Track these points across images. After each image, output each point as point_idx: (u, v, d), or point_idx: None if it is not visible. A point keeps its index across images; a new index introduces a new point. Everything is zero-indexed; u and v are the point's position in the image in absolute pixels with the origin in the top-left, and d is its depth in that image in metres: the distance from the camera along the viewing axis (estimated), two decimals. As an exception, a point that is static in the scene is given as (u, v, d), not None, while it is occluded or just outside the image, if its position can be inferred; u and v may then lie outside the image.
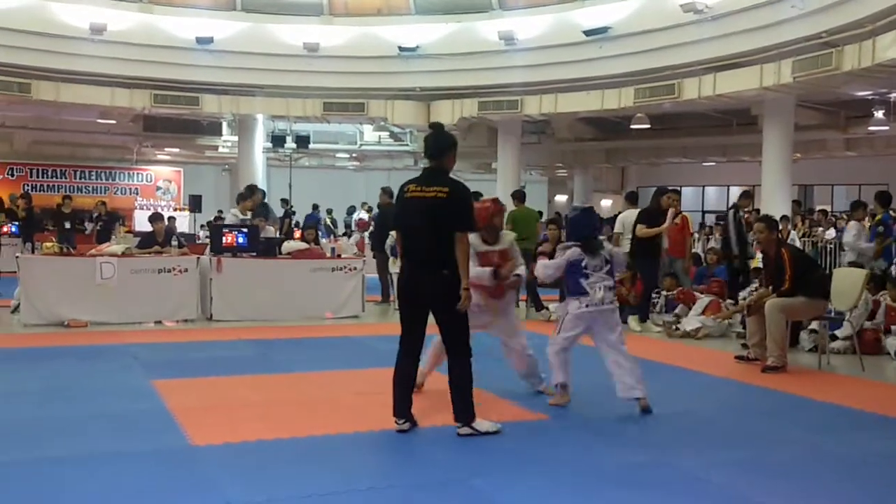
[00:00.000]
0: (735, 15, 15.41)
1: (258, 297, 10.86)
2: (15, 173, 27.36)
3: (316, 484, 4.43)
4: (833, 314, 8.55)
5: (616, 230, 11.58)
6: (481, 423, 5.35)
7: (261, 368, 7.80)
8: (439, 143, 5.45)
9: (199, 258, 10.95)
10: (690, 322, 10.26)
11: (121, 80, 19.29)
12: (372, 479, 4.64)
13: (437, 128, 5.63)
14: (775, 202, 16.49)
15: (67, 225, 18.85)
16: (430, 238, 5.25)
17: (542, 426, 5.71)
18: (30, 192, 22.74)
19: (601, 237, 6.70)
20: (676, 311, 10.98)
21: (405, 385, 5.45)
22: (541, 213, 15.12)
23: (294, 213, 20.57)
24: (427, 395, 6.28)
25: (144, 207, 26.20)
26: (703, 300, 10.65)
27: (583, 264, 6.15)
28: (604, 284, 6.12)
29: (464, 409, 5.32)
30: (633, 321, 10.53)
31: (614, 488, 4.52)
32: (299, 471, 4.64)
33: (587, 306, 6.11)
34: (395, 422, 5.41)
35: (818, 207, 22.78)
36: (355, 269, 11.52)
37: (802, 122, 18.59)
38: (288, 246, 11.82)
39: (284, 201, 21.25)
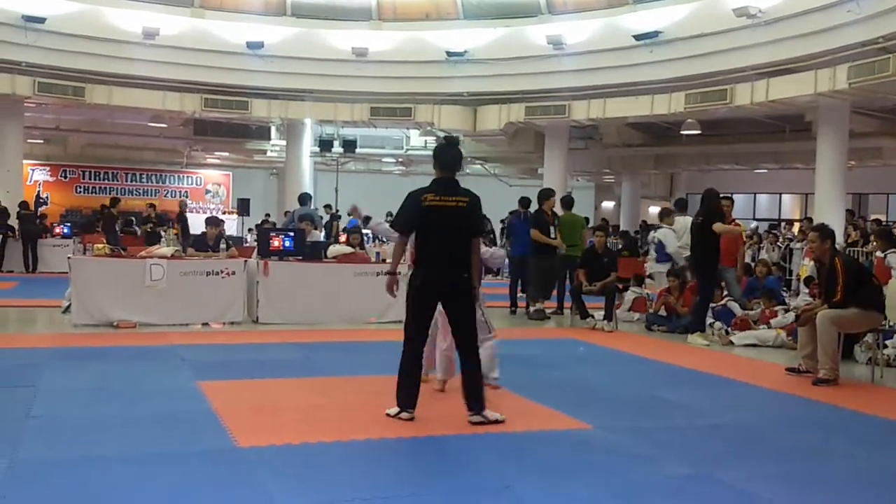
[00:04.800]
0: (789, 19, 15.18)
1: (303, 301, 10.91)
2: (68, 175, 27.92)
3: (359, 488, 4.41)
4: (888, 327, 8.32)
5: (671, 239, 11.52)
6: (490, 413, 5.68)
7: (305, 371, 7.82)
8: (457, 157, 5.93)
9: (246, 261, 11.03)
10: (747, 338, 10.09)
11: (172, 84, 19.60)
12: (414, 485, 4.61)
13: (453, 142, 6.09)
14: (829, 211, 16.16)
15: (116, 227, 19.18)
16: (452, 244, 5.70)
17: (586, 435, 5.63)
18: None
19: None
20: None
21: (417, 377, 5.85)
22: (587, 220, 15.05)
23: (340, 217, 20.66)
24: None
25: (194, 210, 26.55)
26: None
27: None
28: None
29: (480, 399, 5.69)
30: (695, 338, 10.29)
31: (658, 500, 4.44)
32: (342, 474, 4.63)
33: None
34: (408, 416, 5.72)
35: (873, 217, 22.29)
36: (400, 273, 11.48)
37: (858, 129, 18.22)
38: (333, 250, 11.86)
39: (328, 207, 21.36)
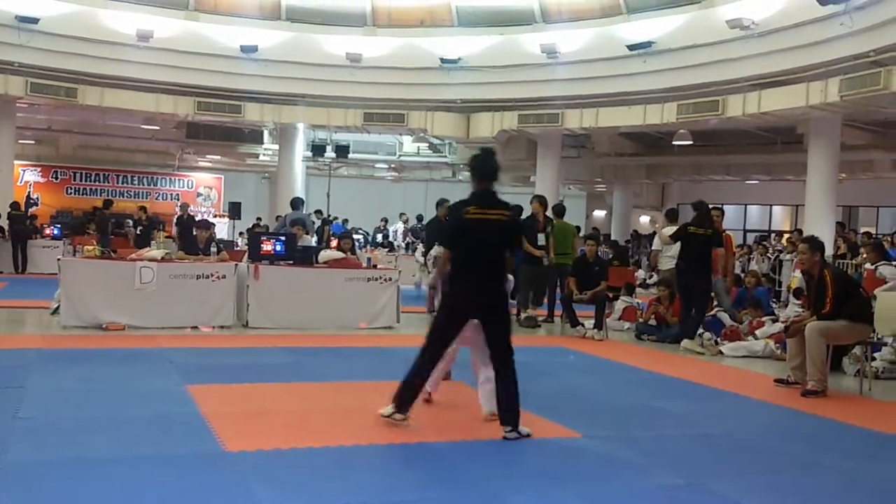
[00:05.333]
0: (782, 32, 15.27)
1: (294, 305, 10.88)
2: (59, 176, 27.81)
3: (347, 495, 4.40)
4: (877, 340, 8.35)
5: (654, 247, 11.41)
6: (523, 428, 5.53)
7: (295, 376, 7.80)
8: (496, 167, 5.79)
9: (236, 265, 11.00)
10: (737, 349, 10.11)
11: (165, 87, 19.58)
12: (403, 492, 4.60)
13: (490, 152, 5.90)
14: (819, 223, 16.22)
15: (109, 229, 19.12)
16: (492, 258, 5.65)
17: (576, 444, 5.63)
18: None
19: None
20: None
21: (420, 386, 5.75)
22: (578, 229, 15.07)
23: (331, 222, 20.65)
24: (459, 408, 6.24)
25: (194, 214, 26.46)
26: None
27: None
28: None
29: (517, 414, 5.54)
30: (688, 343, 10.34)
31: (649, 510, 4.44)
32: (331, 480, 4.62)
33: None
34: (402, 417, 5.63)
35: (863, 230, 22.39)
36: (390, 279, 11.51)
37: (849, 142, 18.32)
38: (324, 255, 11.84)
39: (318, 212, 21.35)
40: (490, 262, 5.64)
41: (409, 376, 5.69)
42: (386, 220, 23.75)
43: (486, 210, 5.64)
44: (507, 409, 5.56)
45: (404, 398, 5.66)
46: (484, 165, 5.78)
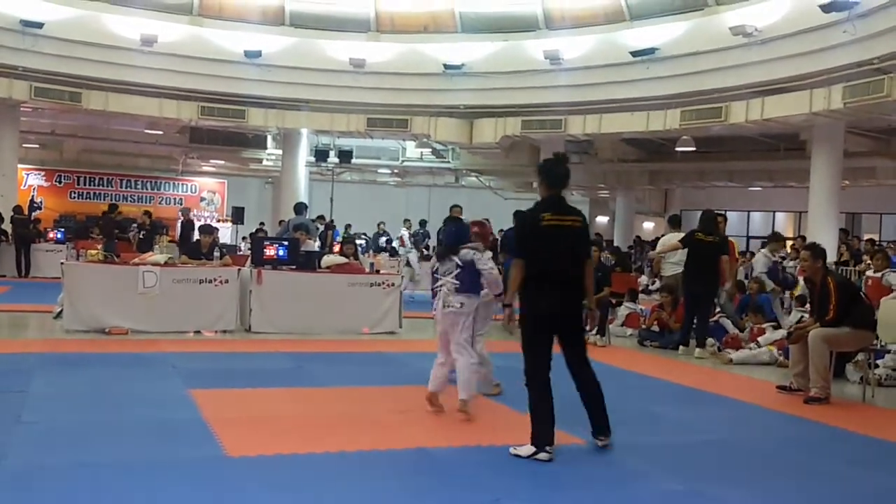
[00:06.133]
0: (785, 39, 15.27)
1: (296, 310, 10.89)
2: (63, 180, 27.86)
3: (347, 500, 4.41)
4: (879, 347, 8.34)
5: (651, 254, 11.41)
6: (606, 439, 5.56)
7: (297, 382, 7.80)
8: (566, 173, 5.68)
9: (239, 270, 11.02)
10: (746, 359, 10.10)
11: (169, 92, 19.62)
12: (404, 497, 4.60)
13: (560, 157, 5.82)
14: (822, 230, 16.21)
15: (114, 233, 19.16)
16: (571, 264, 5.51)
17: (578, 450, 5.62)
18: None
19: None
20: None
21: (551, 406, 5.40)
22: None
23: (334, 227, 20.66)
24: (458, 414, 6.23)
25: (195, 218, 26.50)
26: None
27: (434, 268, 6.61)
28: (446, 288, 6.41)
29: (607, 419, 5.54)
30: (700, 351, 10.32)
31: (650, 517, 4.43)
32: (332, 486, 4.62)
33: (435, 308, 6.51)
34: (547, 457, 5.24)
35: (866, 236, 22.36)
36: (393, 284, 11.51)
37: (852, 149, 18.32)
38: (327, 260, 11.85)
39: (321, 218, 21.36)
40: (570, 269, 5.49)
41: (531, 409, 5.42)
42: (383, 224, 23.65)
43: (561, 216, 5.51)
44: (599, 417, 5.54)
45: (540, 432, 5.30)
46: (553, 172, 5.64)
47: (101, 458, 4.91)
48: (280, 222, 19.29)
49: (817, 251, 8.16)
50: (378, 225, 23.68)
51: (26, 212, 19.96)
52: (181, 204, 28.53)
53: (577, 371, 5.62)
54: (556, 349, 5.57)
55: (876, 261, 10.92)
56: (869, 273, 10.90)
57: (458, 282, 6.39)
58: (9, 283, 16.72)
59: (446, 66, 19.84)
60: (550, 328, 5.50)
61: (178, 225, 21.74)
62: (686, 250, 10.84)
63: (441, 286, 6.42)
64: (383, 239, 22.75)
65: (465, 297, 6.35)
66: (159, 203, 28.54)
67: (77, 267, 10.75)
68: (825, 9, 13.93)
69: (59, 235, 19.43)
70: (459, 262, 6.40)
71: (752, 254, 20.89)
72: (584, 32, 18.90)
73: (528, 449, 5.26)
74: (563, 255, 5.46)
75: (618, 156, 24.70)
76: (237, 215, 25.75)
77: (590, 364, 5.64)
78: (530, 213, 5.60)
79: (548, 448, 5.26)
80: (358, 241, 17.38)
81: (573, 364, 5.63)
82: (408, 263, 18.47)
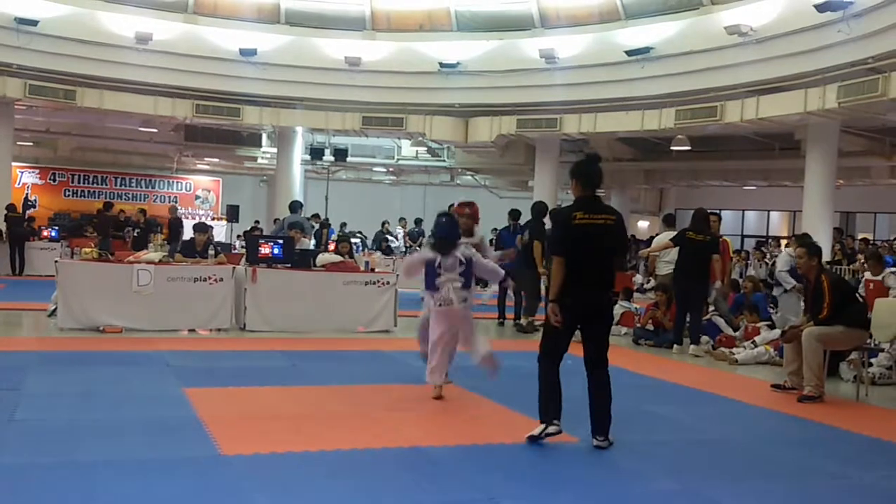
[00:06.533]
0: (780, 38, 15.29)
1: (291, 309, 10.87)
2: (57, 178, 27.79)
3: (342, 499, 4.41)
4: (873, 346, 8.35)
5: (644, 251, 11.39)
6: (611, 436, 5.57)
7: (292, 380, 7.79)
8: (599, 173, 5.77)
9: (234, 268, 11.00)
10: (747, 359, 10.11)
11: (164, 90, 19.57)
12: (398, 496, 4.59)
13: (593, 158, 5.91)
14: (817, 229, 16.23)
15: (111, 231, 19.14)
16: (602, 261, 5.64)
17: (573, 448, 5.62)
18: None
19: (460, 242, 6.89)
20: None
21: (559, 388, 5.57)
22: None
23: (329, 225, 20.63)
24: (454, 412, 6.23)
25: (183, 216, 26.46)
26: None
27: (437, 263, 6.65)
28: (452, 285, 6.54)
29: (609, 422, 5.54)
30: (695, 348, 10.38)
31: (645, 516, 4.43)
32: (327, 485, 4.62)
33: (439, 304, 6.59)
34: (556, 429, 5.48)
35: (860, 236, 22.43)
36: (388, 283, 11.51)
37: (846, 148, 18.35)
38: (322, 258, 11.84)
39: (315, 216, 21.34)
40: (599, 268, 5.61)
41: (539, 382, 5.61)
42: (387, 223, 23.67)
43: (593, 215, 5.60)
44: (601, 419, 5.55)
45: (547, 408, 5.52)
46: (586, 172, 5.73)
47: (94, 456, 4.90)
48: (275, 220, 19.24)
49: (813, 249, 8.18)
50: (382, 224, 23.69)
51: (20, 210, 19.89)
52: (176, 202, 28.50)
53: (592, 370, 5.65)
54: (569, 350, 5.60)
55: (871, 266, 10.92)
56: (868, 276, 10.89)
57: (462, 279, 6.58)
58: (3, 281, 16.66)
59: (442, 65, 19.83)
60: (573, 319, 5.60)
61: (168, 223, 21.70)
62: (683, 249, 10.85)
63: (444, 282, 6.57)
64: (390, 238, 22.70)
65: (468, 293, 6.65)
66: (154, 201, 28.45)
67: (71, 265, 10.72)
68: (820, 8, 13.96)
69: (53, 233, 19.38)
70: (462, 259, 6.55)
71: (747, 252, 21.00)
72: (579, 31, 18.91)
73: (538, 428, 5.46)
74: (593, 253, 5.57)
75: (613, 155, 24.69)
76: (232, 213, 25.71)
77: (607, 366, 5.64)
78: (563, 211, 5.81)
79: (556, 421, 5.47)
80: (353, 240, 17.36)
81: (590, 361, 5.66)
82: None
